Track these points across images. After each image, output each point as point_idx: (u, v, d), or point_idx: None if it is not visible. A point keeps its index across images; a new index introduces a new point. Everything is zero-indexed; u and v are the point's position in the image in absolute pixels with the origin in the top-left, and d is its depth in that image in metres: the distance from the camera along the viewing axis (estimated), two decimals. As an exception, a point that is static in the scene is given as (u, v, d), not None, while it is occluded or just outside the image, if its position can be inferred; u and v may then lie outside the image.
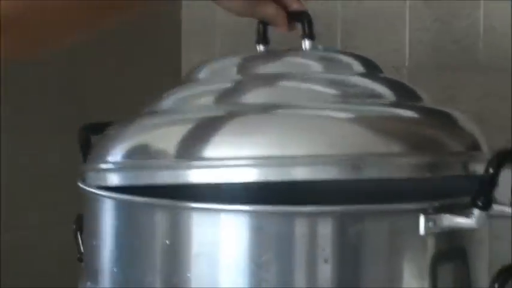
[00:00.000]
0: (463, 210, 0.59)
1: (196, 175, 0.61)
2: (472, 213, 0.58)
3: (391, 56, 1.14)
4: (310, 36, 0.73)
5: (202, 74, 0.74)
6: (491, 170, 0.58)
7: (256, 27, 0.77)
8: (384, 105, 0.67)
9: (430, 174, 0.61)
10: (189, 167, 0.61)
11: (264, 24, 0.77)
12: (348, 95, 0.67)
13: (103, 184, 0.66)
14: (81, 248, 0.74)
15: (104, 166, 0.67)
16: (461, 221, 0.59)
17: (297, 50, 0.75)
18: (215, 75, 0.74)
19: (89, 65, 1.22)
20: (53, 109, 1.18)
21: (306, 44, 0.73)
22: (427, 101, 0.72)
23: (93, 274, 0.69)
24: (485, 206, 0.58)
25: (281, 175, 0.59)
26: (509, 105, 1.04)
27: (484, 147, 0.68)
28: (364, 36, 1.17)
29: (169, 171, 0.61)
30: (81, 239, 0.75)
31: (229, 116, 0.64)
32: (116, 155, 0.66)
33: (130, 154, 0.65)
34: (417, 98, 0.72)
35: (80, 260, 0.73)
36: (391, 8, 1.15)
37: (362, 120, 0.63)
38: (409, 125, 0.65)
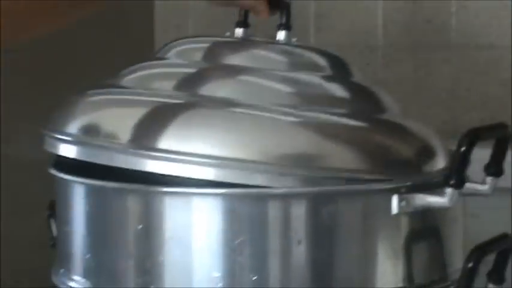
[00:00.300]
0: (436, 189, 0.60)
1: (149, 164, 0.59)
2: (444, 192, 0.59)
3: (365, 36, 1.15)
4: (287, 27, 0.72)
5: (169, 54, 0.73)
6: (463, 148, 0.58)
7: (235, 11, 0.75)
8: (339, 114, 0.64)
9: (399, 182, 0.60)
10: (141, 156, 0.60)
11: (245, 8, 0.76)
12: (306, 98, 0.66)
13: (57, 153, 0.65)
14: (53, 233, 0.73)
15: (59, 136, 0.66)
16: (434, 199, 0.60)
17: (269, 42, 0.74)
18: (181, 58, 0.73)
19: (60, 47, 1.21)
20: (25, 95, 1.16)
21: (281, 34, 0.72)
22: (391, 108, 0.70)
23: (66, 260, 0.68)
24: (458, 184, 0.59)
25: (233, 178, 0.58)
26: (482, 82, 1.05)
27: (441, 154, 0.67)
28: (338, 17, 1.18)
29: (122, 156, 0.60)
30: (53, 224, 0.74)
31: (186, 107, 0.63)
32: (72, 127, 0.65)
33: (85, 129, 0.65)
34: (379, 105, 0.70)
35: (53, 246, 0.73)
36: None
37: (312, 128, 0.62)
38: (359, 136, 0.63)
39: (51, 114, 0.68)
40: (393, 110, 0.71)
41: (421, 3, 1.07)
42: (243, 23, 0.75)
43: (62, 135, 0.66)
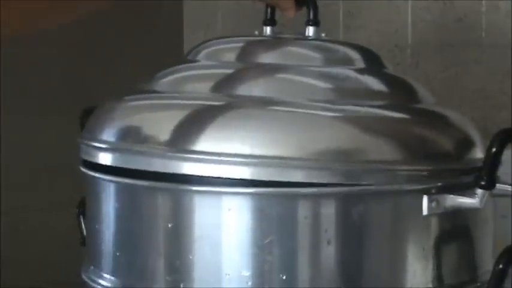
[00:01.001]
0: (466, 190, 0.60)
1: (189, 167, 0.60)
2: (475, 193, 0.59)
3: (395, 35, 1.15)
4: (315, 22, 0.73)
5: (201, 56, 0.74)
6: (494, 149, 0.58)
7: (262, 9, 0.76)
8: (377, 106, 0.65)
9: (429, 183, 0.60)
10: (181, 159, 0.60)
11: (272, 5, 0.77)
12: (343, 92, 0.67)
13: (94, 161, 0.66)
14: (84, 232, 0.75)
15: (96, 144, 0.67)
16: (464, 200, 0.60)
17: (299, 38, 0.75)
18: (214, 59, 0.74)
19: (89, 45, 1.23)
20: (54, 91, 1.19)
21: (310, 30, 0.73)
22: (426, 98, 0.72)
23: (96, 258, 0.70)
24: (489, 185, 0.59)
25: (272, 176, 0.58)
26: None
27: (479, 141, 0.68)
28: (367, 16, 1.18)
29: (161, 160, 0.61)
30: (83, 223, 0.76)
31: (225, 108, 0.63)
32: (108, 134, 0.66)
33: (123, 136, 0.65)
34: (414, 96, 0.71)
35: (83, 243, 0.74)
36: None
37: (351, 122, 0.62)
38: (398, 128, 0.64)
39: (86, 122, 0.69)
40: (428, 99, 0.72)
41: (452, 3, 1.07)
42: (270, 21, 0.76)
43: (100, 143, 0.67)
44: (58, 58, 1.18)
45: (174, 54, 1.25)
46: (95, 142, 0.67)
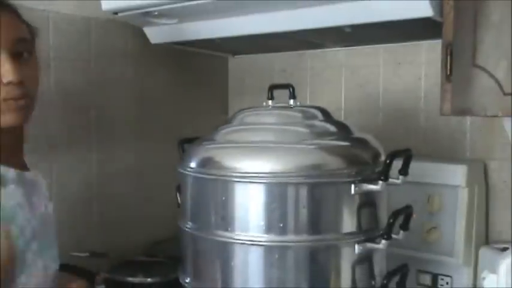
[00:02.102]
0: (374, 181, 1.00)
1: (236, 178, 1.00)
2: (378, 183, 1.00)
3: (335, 103, 1.65)
4: (294, 97, 1.12)
5: (236, 120, 1.13)
6: (388, 160, 1.01)
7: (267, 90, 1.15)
8: (333, 139, 1.04)
9: (355, 178, 1.00)
10: (233, 176, 1.01)
11: (271, 88, 1.14)
12: (313, 134, 1.05)
13: (186, 180, 1.09)
14: (179, 201, 1.15)
15: (188, 171, 1.08)
16: (373, 187, 1.01)
17: (287, 106, 1.11)
18: (242, 122, 1.13)
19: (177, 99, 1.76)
20: (163, 130, 1.69)
21: (291, 101, 1.12)
22: (354, 130, 1.10)
23: (185, 215, 1.09)
24: (385, 179, 1.00)
25: (278, 181, 0.98)
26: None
27: (383, 154, 1.07)
28: (322, 93, 1.70)
29: (225, 178, 1.02)
30: (179, 197, 1.15)
31: (253, 147, 1.03)
32: (195, 163, 1.07)
33: (202, 165, 1.06)
34: (349, 130, 1.10)
35: (179, 206, 1.14)
36: (335, 77, 1.68)
37: (321, 149, 1.02)
38: (342, 151, 1.03)
39: (182, 157, 1.12)
40: (356, 131, 1.11)
41: (364, 86, 1.62)
42: (271, 98, 1.14)
43: (190, 167, 1.07)
44: (159, 108, 1.69)
45: (222, 112, 1.87)
46: (188, 166, 1.08)
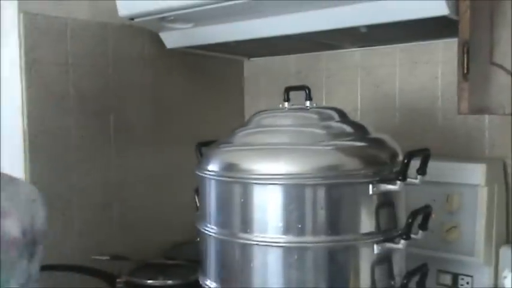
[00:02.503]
0: (392, 181, 1.01)
1: (254, 180, 1.02)
2: (396, 183, 1.00)
3: (352, 104, 1.66)
4: (310, 98, 1.12)
5: (252, 123, 1.14)
6: (405, 160, 1.00)
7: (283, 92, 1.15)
8: (350, 140, 1.06)
9: (372, 178, 1.00)
10: (251, 178, 1.02)
11: (287, 90, 1.14)
12: (330, 135, 1.05)
13: (205, 183, 1.09)
14: (198, 204, 1.16)
15: (207, 174, 1.08)
16: (391, 187, 1.01)
17: (303, 108, 1.12)
18: (259, 125, 1.13)
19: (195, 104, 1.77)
20: (181, 134, 1.70)
21: (307, 103, 1.12)
22: (371, 131, 1.10)
23: (204, 217, 1.10)
24: (403, 179, 1.00)
25: (295, 183, 0.99)
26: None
27: (400, 154, 1.06)
28: (337, 94, 1.70)
29: (242, 179, 1.03)
30: (198, 199, 1.16)
31: (271, 149, 1.04)
32: (212, 166, 1.08)
33: (220, 167, 1.07)
34: (366, 131, 1.10)
35: (197, 209, 1.15)
36: (350, 78, 1.68)
37: (338, 150, 1.02)
38: (359, 151, 1.04)
39: (201, 160, 1.13)
40: (372, 131, 1.11)
41: (380, 87, 1.62)
42: (287, 99, 1.15)
43: (209, 170, 1.08)
44: (176, 112, 1.71)
45: (239, 114, 1.89)
46: (206, 170, 1.09)
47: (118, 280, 1.35)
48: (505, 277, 1.16)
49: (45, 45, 1.37)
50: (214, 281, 1.09)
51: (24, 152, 1.34)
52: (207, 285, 1.10)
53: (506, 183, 1.39)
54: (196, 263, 1.18)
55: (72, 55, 1.42)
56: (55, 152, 1.39)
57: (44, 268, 1.31)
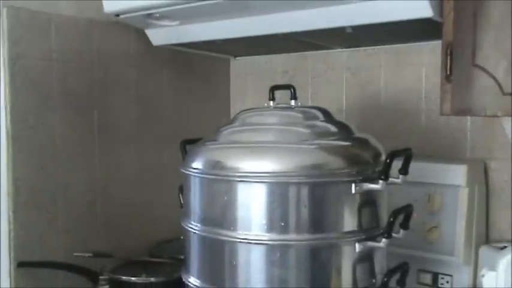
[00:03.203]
0: (374, 181, 1.02)
1: (238, 178, 1.01)
2: (378, 182, 1.01)
3: (337, 104, 1.67)
4: (295, 97, 1.13)
5: (238, 121, 1.14)
6: (388, 160, 1.02)
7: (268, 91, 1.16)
8: (334, 139, 1.05)
9: (355, 177, 1.01)
10: (235, 176, 1.02)
11: (272, 89, 1.15)
12: (315, 134, 1.05)
13: (190, 181, 1.09)
14: (182, 201, 1.16)
15: (191, 171, 1.08)
16: (373, 186, 1.02)
17: (288, 107, 1.12)
18: (245, 123, 1.13)
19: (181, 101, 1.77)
20: (166, 132, 1.70)
21: (292, 102, 1.13)
22: (355, 130, 1.12)
23: (188, 215, 1.10)
24: (385, 178, 1.01)
25: (279, 181, 0.99)
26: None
27: (383, 154, 1.08)
28: (323, 94, 1.71)
29: (225, 177, 1.02)
30: (182, 197, 1.16)
31: (255, 148, 1.05)
32: (197, 163, 1.08)
33: (204, 165, 1.07)
34: (350, 130, 1.11)
35: (181, 207, 1.15)
36: (336, 78, 1.69)
37: (321, 149, 1.03)
38: (343, 151, 1.04)
39: (185, 157, 1.13)
40: (356, 131, 1.12)
41: (364, 86, 1.63)
42: (272, 99, 1.15)
43: (193, 168, 1.08)
44: (161, 109, 1.71)
45: (225, 112, 1.89)
46: (190, 167, 1.09)
47: (101, 277, 1.35)
48: (483, 275, 1.18)
49: (29, 40, 1.36)
50: (198, 278, 1.10)
51: (7, 148, 1.33)
52: (190, 282, 1.11)
53: (487, 184, 1.41)
54: (180, 261, 1.18)
55: (56, 51, 1.41)
56: (39, 148, 1.39)
57: (26, 264, 1.33)
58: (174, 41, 1.58)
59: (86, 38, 1.48)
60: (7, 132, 1.33)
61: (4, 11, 1.32)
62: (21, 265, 1.34)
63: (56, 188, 1.42)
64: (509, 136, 1.33)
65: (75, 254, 1.40)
